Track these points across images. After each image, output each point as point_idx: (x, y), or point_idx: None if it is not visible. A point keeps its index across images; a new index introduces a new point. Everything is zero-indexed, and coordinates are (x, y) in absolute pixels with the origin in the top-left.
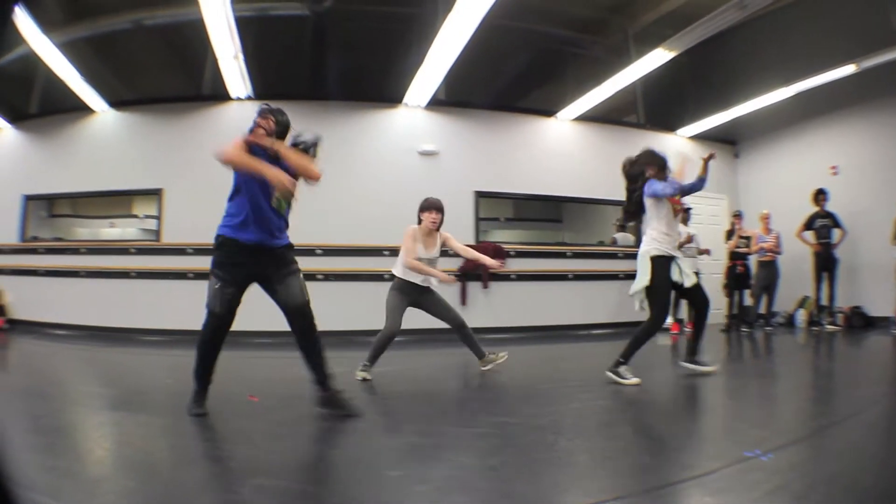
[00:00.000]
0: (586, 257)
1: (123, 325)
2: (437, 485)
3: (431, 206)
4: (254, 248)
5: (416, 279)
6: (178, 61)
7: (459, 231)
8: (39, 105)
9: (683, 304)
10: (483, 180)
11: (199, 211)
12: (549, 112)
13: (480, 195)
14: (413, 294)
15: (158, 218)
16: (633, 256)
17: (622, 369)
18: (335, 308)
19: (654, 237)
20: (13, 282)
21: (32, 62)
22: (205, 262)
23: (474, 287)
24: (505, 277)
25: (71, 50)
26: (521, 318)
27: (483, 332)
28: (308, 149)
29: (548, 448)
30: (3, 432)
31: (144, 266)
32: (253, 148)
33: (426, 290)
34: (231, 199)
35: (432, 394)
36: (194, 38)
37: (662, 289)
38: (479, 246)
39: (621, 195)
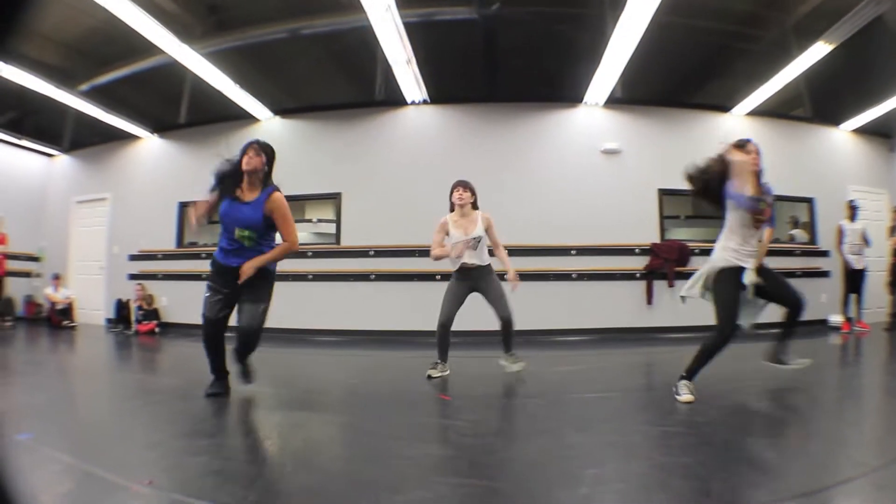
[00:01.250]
0: (766, 254)
1: (297, 326)
2: (635, 483)
3: (457, 183)
4: (230, 270)
5: (467, 261)
6: (344, 69)
7: (643, 229)
8: (189, 114)
9: (852, 299)
10: (664, 177)
11: (376, 214)
12: (723, 108)
13: (663, 193)
14: (468, 279)
15: (337, 222)
16: (810, 254)
17: (681, 384)
18: (521, 308)
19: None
20: (168, 286)
21: (175, 73)
22: (384, 264)
23: (660, 285)
24: (690, 276)
25: (222, 60)
26: (705, 317)
27: (668, 331)
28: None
29: (739, 446)
30: (3, 431)
31: (322, 269)
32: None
33: (482, 273)
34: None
35: (621, 392)
36: (359, 46)
37: (728, 301)
38: (666, 244)
39: (795, 191)
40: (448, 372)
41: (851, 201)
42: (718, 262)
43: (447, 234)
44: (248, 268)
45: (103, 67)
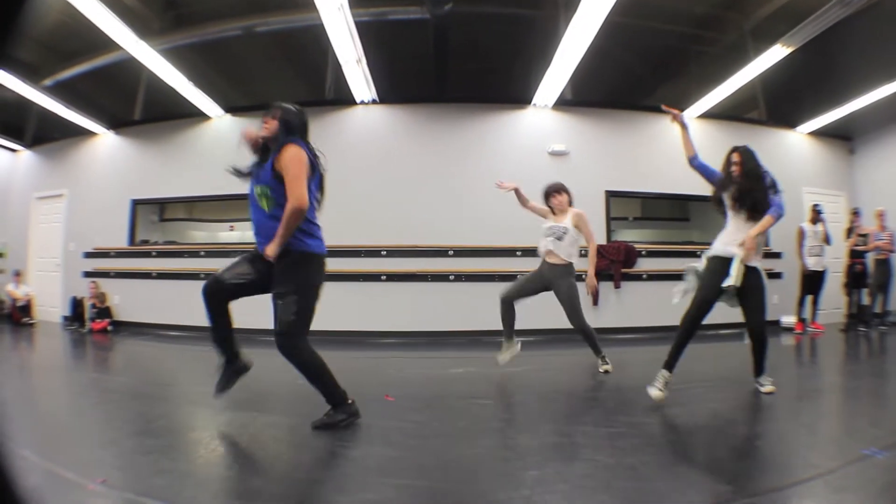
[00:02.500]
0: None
1: (244, 326)
2: (577, 483)
3: (552, 189)
4: (260, 257)
5: (550, 255)
6: (296, 67)
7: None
8: (145, 111)
9: (808, 301)
10: (612, 179)
11: (325, 212)
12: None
13: (611, 194)
14: (545, 274)
15: None
16: (763, 255)
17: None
18: (465, 309)
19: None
20: (121, 284)
21: (132, 69)
22: (329, 264)
23: (606, 287)
24: (636, 277)
25: (177, 57)
26: (651, 318)
27: (614, 332)
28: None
29: (684, 447)
30: (4, 431)
31: None
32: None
33: (558, 273)
34: None
35: (567, 393)
36: (311, 44)
37: (704, 285)
38: (612, 245)
39: None
40: (518, 348)
41: (816, 205)
42: (709, 252)
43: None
44: (271, 250)
45: (66, 62)
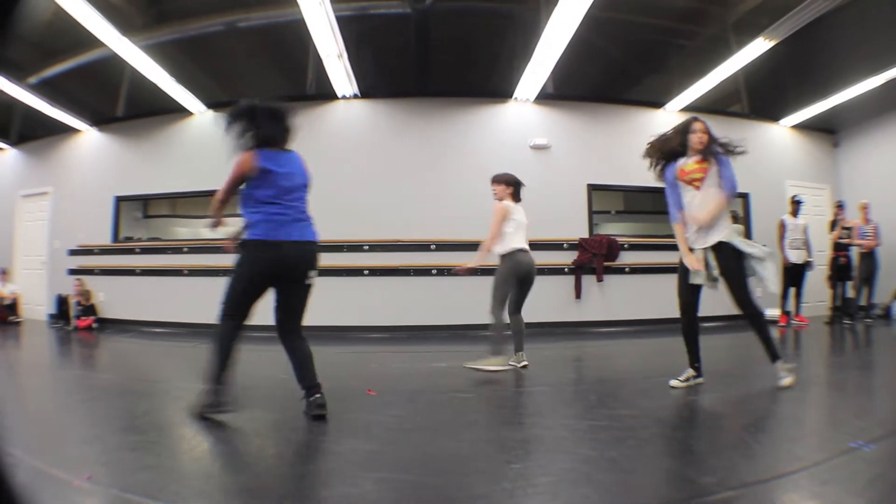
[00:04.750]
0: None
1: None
2: (559, 476)
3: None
4: None
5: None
6: (278, 62)
7: (573, 224)
8: (127, 108)
9: (791, 293)
10: (594, 173)
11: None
12: (656, 103)
13: (593, 188)
14: (526, 265)
15: None
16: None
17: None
18: (448, 303)
19: None
20: (105, 281)
21: (115, 65)
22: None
23: (588, 280)
24: (619, 271)
25: (159, 53)
26: (634, 312)
27: (597, 325)
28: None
29: (665, 440)
30: (4, 431)
31: None
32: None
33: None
34: None
35: (548, 386)
36: (293, 39)
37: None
38: (594, 239)
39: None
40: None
41: (794, 196)
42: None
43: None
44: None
45: (51, 60)
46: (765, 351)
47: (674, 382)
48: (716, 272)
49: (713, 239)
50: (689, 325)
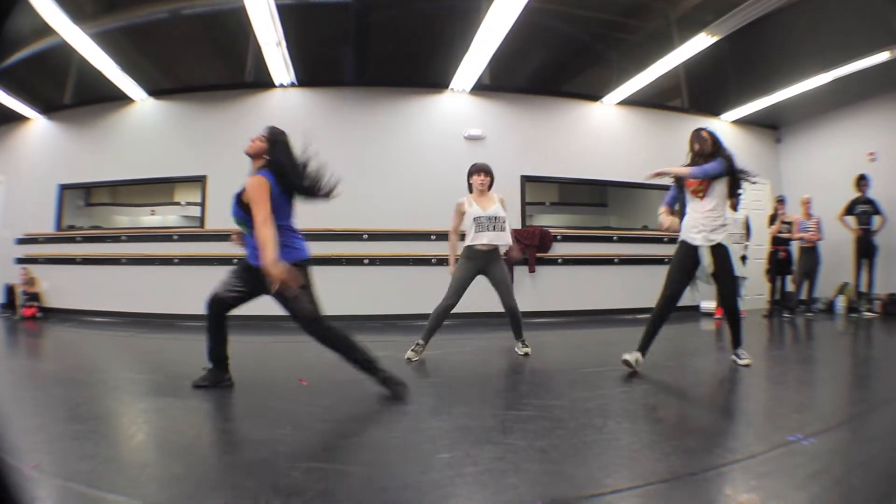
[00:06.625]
0: (632, 241)
1: (165, 311)
2: (487, 466)
3: (479, 169)
4: (252, 268)
5: (478, 243)
6: (219, 50)
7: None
8: (74, 96)
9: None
10: (529, 164)
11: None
12: (594, 96)
13: (527, 179)
14: (479, 260)
15: (202, 205)
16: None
17: (630, 356)
18: (381, 292)
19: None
20: (48, 270)
21: (65, 53)
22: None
23: (520, 271)
24: (551, 262)
25: (106, 40)
26: (567, 303)
27: (529, 315)
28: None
29: (595, 431)
30: (3, 430)
31: (188, 253)
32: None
33: (493, 258)
34: None
35: (480, 377)
36: (234, 27)
37: (671, 269)
38: (527, 230)
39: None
40: (423, 353)
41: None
42: (680, 236)
43: (464, 213)
44: (264, 265)
45: (9, 49)
46: (732, 338)
47: (627, 356)
48: (710, 269)
49: (716, 239)
50: (664, 313)
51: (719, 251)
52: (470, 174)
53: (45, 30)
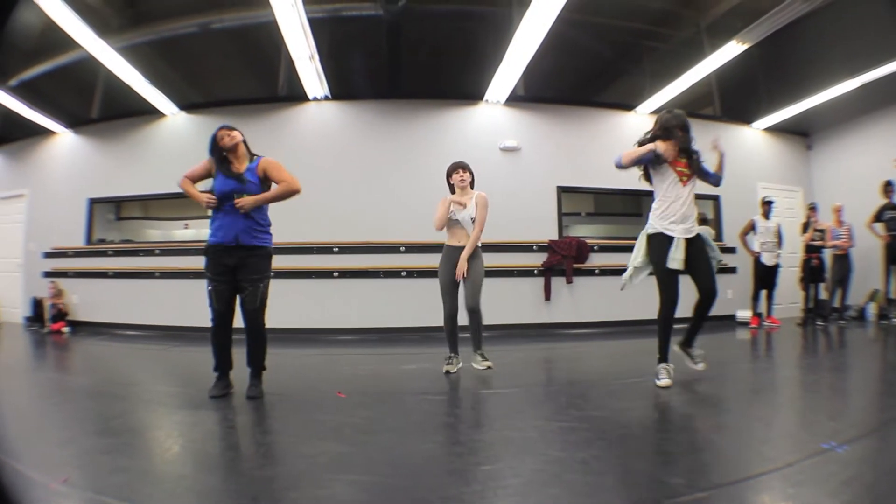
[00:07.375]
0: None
1: (199, 324)
2: (529, 478)
3: (458, 166)
4: (226, 250)
5: (455, 242)
6: (251, 64)
7: (543, 226)
8: (102, 109)
9: (763, 295)
10: (564, 175)
11: (280, 210)
12: (627, 106)
13: (563, 190)
14: (456, 257)
15: None
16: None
17: (659, 367)
18: (418, 305)
19: (652, 212)
20: (78, 284)
21: (90, 67)
22: (283, 262)
23: (558, 282)
24: (589, 272)
25: (134, 54)
26: (604, 313)
27: (567, 326)
28: None
29: (636, 441)
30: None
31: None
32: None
33: (471, 256)
34: None
35: (520, 388)
36: (266, 41)
37: (659, 271)
38: (564, 241)
39: (701, 188)
40: (461, 365)
41: (765, 198)
42: (647, 230)
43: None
44: (247, 201)
45: (30, 62)
46: (688, 333)
47: (664, 382)
48: (681, 264)
49: (695, 231)
50: (675, 303)
51: (697, 240)
52: (449, 174)
53: (69, 43)
